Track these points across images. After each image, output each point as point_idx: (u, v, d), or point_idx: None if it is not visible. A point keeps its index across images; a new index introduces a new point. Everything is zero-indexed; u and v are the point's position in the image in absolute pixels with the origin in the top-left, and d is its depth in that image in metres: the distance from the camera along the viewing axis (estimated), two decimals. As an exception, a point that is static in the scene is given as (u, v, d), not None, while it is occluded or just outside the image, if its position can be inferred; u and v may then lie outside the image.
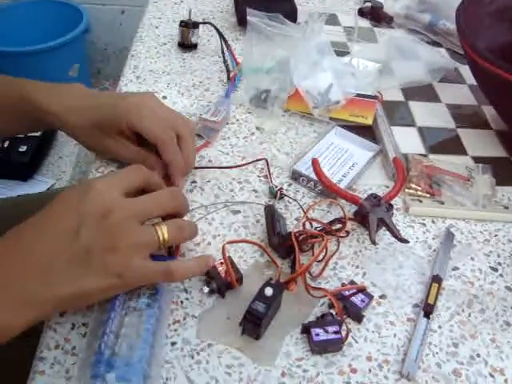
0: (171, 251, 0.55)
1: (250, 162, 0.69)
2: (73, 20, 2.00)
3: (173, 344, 0.51)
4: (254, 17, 0.80)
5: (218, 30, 0.88)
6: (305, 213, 0.62)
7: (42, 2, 2.10)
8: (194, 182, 0.67)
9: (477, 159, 0.76)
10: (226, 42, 0.87)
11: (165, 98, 0.81)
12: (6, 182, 1.29)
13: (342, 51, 0.95)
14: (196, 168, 0.68)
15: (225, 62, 0.86)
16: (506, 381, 0.51)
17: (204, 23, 0.92)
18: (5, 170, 1.30)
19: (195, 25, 0.90)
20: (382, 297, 0.57)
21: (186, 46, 0.91)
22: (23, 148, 1.28)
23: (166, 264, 0.50)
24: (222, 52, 0.87)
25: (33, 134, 1.32)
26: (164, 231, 0.49)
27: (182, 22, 0.90)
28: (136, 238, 0.48)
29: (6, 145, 1.29)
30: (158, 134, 0.62)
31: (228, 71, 0.85)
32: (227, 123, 0.77)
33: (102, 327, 0.48)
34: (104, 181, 0.50)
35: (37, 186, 1.26)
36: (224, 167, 0.69)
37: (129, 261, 0.47)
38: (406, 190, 0.68)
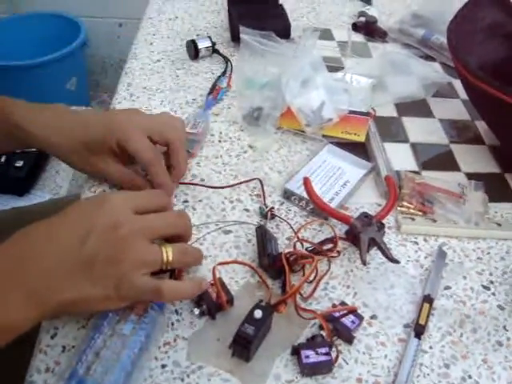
0: (173, 277, 0.55)
1: (242, 182, 0.70)
2: (71, 33, 2.01)
3: (163, 366, 0.51)
4: (246, 35, 0.81)
5: (223, 55, 0.94)
6: (295, 233, 0.62)
7: (39, 15, 2.11)
8: (186, 201, 0.67)
9: (470, 175, 0.76)
10: (232, 68, 0.91)
11: (158, 115, 0.81)
12: (2, 196, 1.30)
13: (335, 66, 0.95)
14: (186, 184, 0.69)
15: (218, 78, 0.88)
16: (497, 402, 0.51)
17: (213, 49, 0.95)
18: (1, 184, 1.31)
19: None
20: (373, 317, 0.57)
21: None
22: (20, 163, 1.28)
23: (157, 282, 0.50)
24: (224, 73, 0.90)
25: (29, 149, 1.33)
26: (169, 252, 0.50)
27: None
28: (140, 254, 0.49)
29: (2, 159, 1.30)
30: (145, 156, 0.62)
31: (214, 85, 0.87)
32: (220, 141, 0.77)
33: (85, 344, 0.48)
34: (120, 195, 0.52)
35: (33, 200, 1.27)
36: (216, 187, 0.69)
37: (127, 275, 0.48)
38: (398, 208, 0.68)
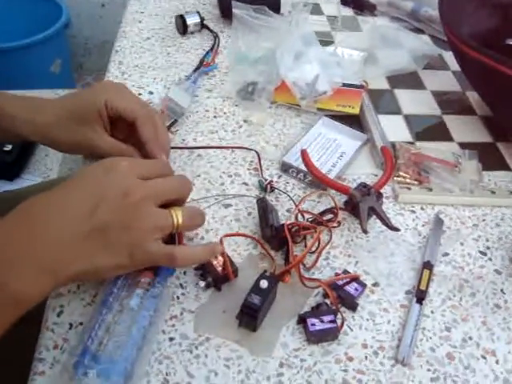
0: (173, 241, 0.55)
1: (240, 147, 0.71)
2: (52, 15, 1.97)
3: (171, 339, 0.51)
4: (239, 9, 0.80)
5: (212, 30, 0.94)
6: (296, 205, 0.62)
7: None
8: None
9: (463, 145, 0.77)
10: (218, 43, 0.92)
11: (151, 93, 0.80)
12: (-8, 182, 1.29)
13: (325, 41, 0.95)
14: (180, 148, 0.70)
15: (206, 54, 0.88)
16: (497, 362, 0.53)
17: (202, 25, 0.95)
18: (-10, 169, 1.29)
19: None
20: (375, 285, 0.58)
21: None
22: (8, 147, 1.26)
23: (170, 248, 0.51)
24: (211, 49, 0.90)
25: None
26: (179, 216, 0.50)
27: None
28: (152, 220, 0.49)
29: (-10, 145, 1.28)
30: (137, 110, 0.63)
31: (202, 61, 0.87)
32: (216, 116, 0.77)
33: (94, 320, 0.49)
34: (125, 161, 0.51)
35: (24, 185, 1.25)
36: (212, 147, 0.70)
37: (141, 242, 0.48)
38: (395, 178, 0.69)
